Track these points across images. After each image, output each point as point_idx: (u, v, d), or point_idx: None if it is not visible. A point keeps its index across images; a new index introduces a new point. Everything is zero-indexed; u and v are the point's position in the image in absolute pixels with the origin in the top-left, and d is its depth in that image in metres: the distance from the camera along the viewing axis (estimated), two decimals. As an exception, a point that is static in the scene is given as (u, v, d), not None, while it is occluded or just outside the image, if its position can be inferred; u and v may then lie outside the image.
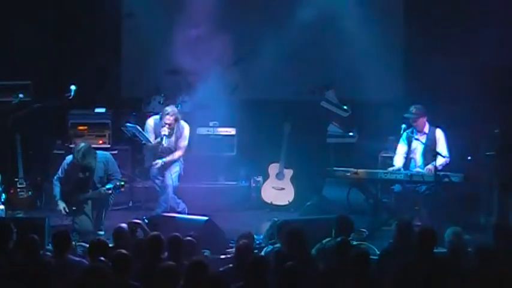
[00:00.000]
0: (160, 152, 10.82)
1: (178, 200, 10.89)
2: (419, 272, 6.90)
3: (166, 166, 10.81)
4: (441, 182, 9.81)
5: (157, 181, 10.89)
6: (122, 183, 10.22)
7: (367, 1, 13.07)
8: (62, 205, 10.18)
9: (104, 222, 10.25)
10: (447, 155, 10.24)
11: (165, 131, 10.67)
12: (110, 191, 10.10)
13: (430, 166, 10.10)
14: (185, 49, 12.22)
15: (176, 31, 12.07)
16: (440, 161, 10.05)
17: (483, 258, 7.08)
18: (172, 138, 10.80)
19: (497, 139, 10.47)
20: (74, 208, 10.15)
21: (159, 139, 10.73)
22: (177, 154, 10.82)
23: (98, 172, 10.21)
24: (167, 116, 10.70)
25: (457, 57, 12.14)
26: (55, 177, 10.30)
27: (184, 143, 10.85)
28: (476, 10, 12.09)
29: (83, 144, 10.22)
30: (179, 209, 10.75)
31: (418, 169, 10.34)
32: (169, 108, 10.81)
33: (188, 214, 10.44)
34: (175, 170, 10.87)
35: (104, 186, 10.10)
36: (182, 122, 10.87)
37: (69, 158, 10.29)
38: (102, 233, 10.28)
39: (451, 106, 11.72)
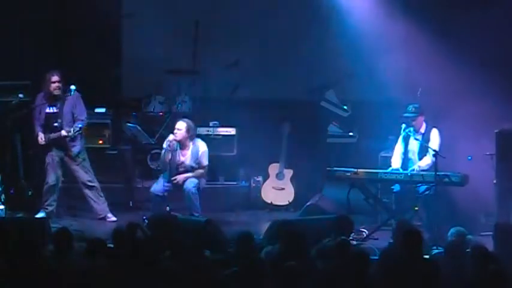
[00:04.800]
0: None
1: None
2: (419, 272, 6.91)
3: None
4: (441, 182, 9.82)
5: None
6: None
7: (368, 1, 13.05)
8: (41, 135, 10.63)
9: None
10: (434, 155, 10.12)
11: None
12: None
13: (416, 166, 10.11)
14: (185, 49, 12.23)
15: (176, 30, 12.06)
16: (425, 161, 10.05)
17: (482, 258, 7.08)
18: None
19: (497, 139, 10.45)
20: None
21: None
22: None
23: (67, 114, 10.63)
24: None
25: (458, 56, 12.12)
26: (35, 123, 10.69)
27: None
28: (477, 8, 12.07)
29: None
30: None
31: (417, 169, 10.35)
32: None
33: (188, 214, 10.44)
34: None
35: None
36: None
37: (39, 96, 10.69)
38: None
39: (451, 106, 11.70)
